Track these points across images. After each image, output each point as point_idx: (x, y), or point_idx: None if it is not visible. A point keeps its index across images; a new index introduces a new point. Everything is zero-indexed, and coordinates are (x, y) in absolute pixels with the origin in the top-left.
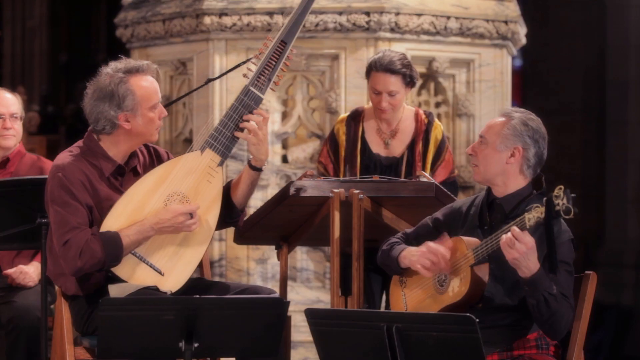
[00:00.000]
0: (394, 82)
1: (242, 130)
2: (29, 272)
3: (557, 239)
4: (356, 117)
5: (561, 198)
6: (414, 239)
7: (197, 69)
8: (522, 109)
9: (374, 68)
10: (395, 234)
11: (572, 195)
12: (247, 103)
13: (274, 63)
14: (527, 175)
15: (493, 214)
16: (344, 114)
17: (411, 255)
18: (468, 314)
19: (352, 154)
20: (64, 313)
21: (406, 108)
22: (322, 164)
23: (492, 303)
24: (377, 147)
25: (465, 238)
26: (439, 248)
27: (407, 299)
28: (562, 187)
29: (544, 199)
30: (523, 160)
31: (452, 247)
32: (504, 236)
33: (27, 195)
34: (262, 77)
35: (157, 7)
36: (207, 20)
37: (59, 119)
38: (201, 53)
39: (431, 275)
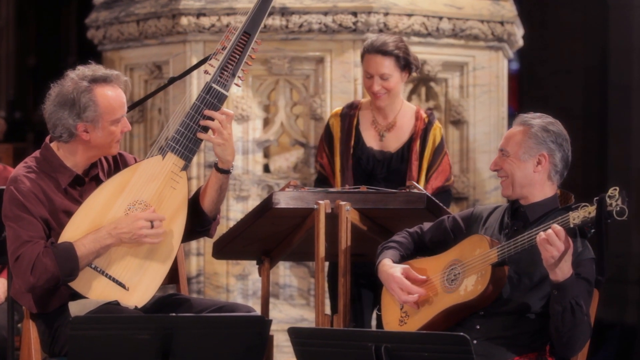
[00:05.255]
0: (386, 64)
1: (205, 130)
2: None
3: (580, 254)
4: (352, 109)
5: (616, 199)
6: (430, 242)
7: (174, 72)
8: (537, 114)
9: (367, 50)
10: (407, 229)
11: (627, 199)
12: (210, 101)
13: (237, 56)
14: (554, 181)
15: (516, 220)
16: (338, 108)
17: (384, 278)
18: (462, 334)
19: (346, 146)
20: (31, 332)
21: (406, 104)
22: (319, 162)
23: (497, 310)
24: (371, 141)
25: (488, 237)
26: (416, 289)
27: None
28: (618, 188)
29: (596, 198)
30: (550, 167)
31: (461, 249)
32: (542, 233)
33: None
34: (225, 73)
35: (130, 7)
36: (184, 20)
37: (26, 125)
38: (178, 56)
39: (410, 302)
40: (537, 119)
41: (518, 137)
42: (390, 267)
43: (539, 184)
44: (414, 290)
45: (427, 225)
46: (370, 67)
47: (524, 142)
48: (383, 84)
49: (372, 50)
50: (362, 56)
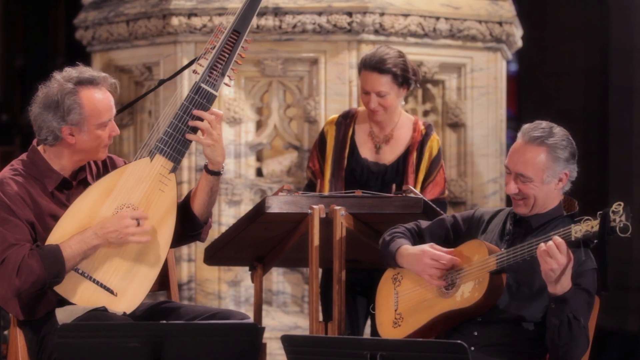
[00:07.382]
0: (382, 82)
1: (194, 131)
2: None
3: (582, 265)
4: (348, 118)
5: (619, 214)
6: (429, 238)
7: (164, 74)
8: (542, 125)
9: (364, 66)
10: (403, 224)
11: (631, 214)
12: (199, 102)
13: (226, 55)
14: (560, 191)
15: (518, 228)
16: (334, 115)
17: (412, 259)
18: (459, 342)
19: (339, 156)
20: (18, 340)
21: (404, 115)
22: (310, 169)
23: (495, 317)
24: (366, 152)
25: (487, 243)
26: (446, 257)
27: (399, 298)
28: (622, 203)
29: (599, 212)
30: (568, 180)
31: (459, 254)
32: (542, 244)
33: None
34: (214, 72)
35: (120, 7)
36: (175, 21)
37: (14, 128)
38: (168, 57)
39: (440, 284)
40: (551, 138)
41: (540, 161)
42: (413, 248)
43: (554, 196)
44: (446, 257)
45: (424, 223)
46: (367, 84)
47: (549, 166)
48: (380, 101)
49: (369, 67)
50: (359, 70)
